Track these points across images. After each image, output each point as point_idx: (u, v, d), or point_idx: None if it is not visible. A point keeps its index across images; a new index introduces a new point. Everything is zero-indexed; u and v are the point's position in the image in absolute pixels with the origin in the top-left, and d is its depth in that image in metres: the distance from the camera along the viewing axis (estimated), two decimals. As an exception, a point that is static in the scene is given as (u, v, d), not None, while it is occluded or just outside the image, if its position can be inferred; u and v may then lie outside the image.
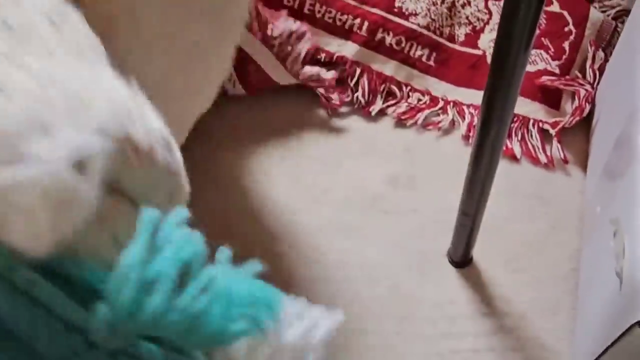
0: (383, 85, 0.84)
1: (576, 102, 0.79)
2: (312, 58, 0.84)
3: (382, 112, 0.84)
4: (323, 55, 0.84)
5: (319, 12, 0.83)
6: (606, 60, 0.82)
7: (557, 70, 0.81)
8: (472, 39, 0.86)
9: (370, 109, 0.83)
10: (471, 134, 0.81)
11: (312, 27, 0.84)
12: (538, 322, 0.68)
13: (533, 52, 0.83)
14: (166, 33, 0.52)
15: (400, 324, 0.67)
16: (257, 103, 0.83)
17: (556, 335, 0.67)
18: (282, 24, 0.80)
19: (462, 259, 0.71)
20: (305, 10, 0.83)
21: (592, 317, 0.60)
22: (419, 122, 0.82)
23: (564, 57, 0.82)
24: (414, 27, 0.84)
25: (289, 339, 0.32)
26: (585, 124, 0.81)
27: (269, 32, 0.79)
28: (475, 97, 0.84)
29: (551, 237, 0.74)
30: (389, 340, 0.67)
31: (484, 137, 0.54)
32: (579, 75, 0.82)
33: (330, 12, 0.83)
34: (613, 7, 0.86)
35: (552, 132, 0.79)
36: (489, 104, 0.51)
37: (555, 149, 0.79)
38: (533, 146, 0.79)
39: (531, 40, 0.45)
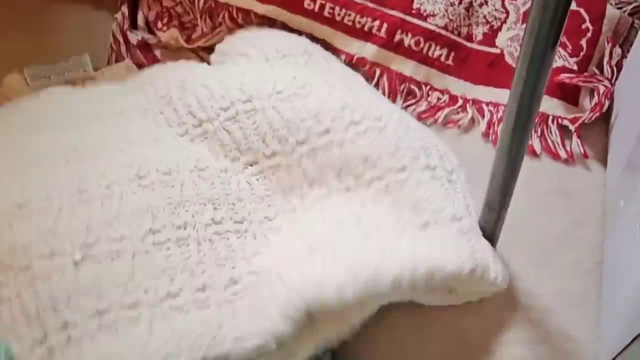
0: (402, 85, 0.85)
1: (595, 99, 0.80)
2: (333, 60, 0.86)
3: (402, 112, 0.85)
4: (343, 57, 0.85)
5: (338, 15, 0.85)
6: (623, 56, 0.83)
7: (575, 67, 0.82)
8: (490, 37, 0.87)
9: (391, 109, 0.84)
10: (491, 131, 0.82)
11: (331, 29, 0.85)
12: (563, 314, 0.69)
13: (550, 49, 0.84)
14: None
15: (424, 317, 0.68)
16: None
17: (582, 326, 0.68)
18: None
19: (486, 254, 0.72)
20: (326, 14, 0.85)
21: (619, 308, 0.61)
22: (439, 120, 0.84)
23: (582, 54, 0.83)
24: (432, 27, 0.85)
25: None
26: (603, 119, 0.82)
27: None
28: (493, 94, 0.85)
29: (574, 231, 0.74)
30: (413, 335, 0.68)
31: (509, 134, 0.55)
32: (597, 71, 0.83)
33: (349, 14, 0.85)
34: (629, 3, 0.87)
35: (572, 127, 0.80)
36: (515, 101, 0.52)
37: (575, 144, 0.80)
38: (553, 142, 0.80)
39: (558, 37, 0.46)
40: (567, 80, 0.81)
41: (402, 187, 0.63)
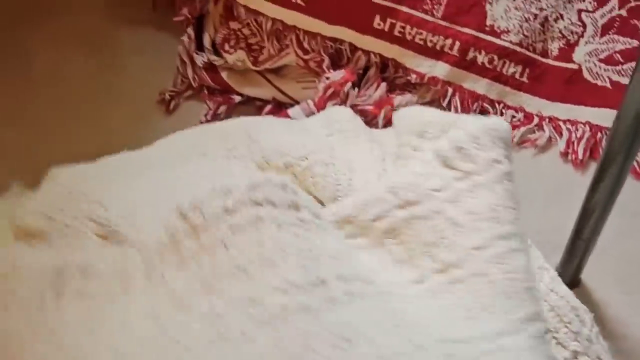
0: (475, 104, 0.83)
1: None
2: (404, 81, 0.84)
3: (475, 131, 0.83)
4: (414, 76, 0.84)
5: (409, 34, 0.83)
6: None
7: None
8: (567, 52, 0.84)
9: (464, 129, 0.82)
10: (570, 151, 0.79)
11: (402, 48, 0.84)
12: (658, 345, 0.66)
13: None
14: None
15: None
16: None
17: (680, 359, 0.65)
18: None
19: (571, 280, 0.69)
20: (396, 33, 0.83)
21: None
22: (515, 139, 0.81)
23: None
24: (507, 44, 0.83)
25: None
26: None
27: None
28: (571, 112, 0.82)
29: (665, 256, 0.71)
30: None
31: (613, 159, 0.53)
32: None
33: (421, 33, 0.83)
34: None
35: (659, 146, 0.76)
36: (624, 123, 0.50)
37: (663, 164, 0.76)
38: (637, 161, 0.77)
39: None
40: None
41: None
